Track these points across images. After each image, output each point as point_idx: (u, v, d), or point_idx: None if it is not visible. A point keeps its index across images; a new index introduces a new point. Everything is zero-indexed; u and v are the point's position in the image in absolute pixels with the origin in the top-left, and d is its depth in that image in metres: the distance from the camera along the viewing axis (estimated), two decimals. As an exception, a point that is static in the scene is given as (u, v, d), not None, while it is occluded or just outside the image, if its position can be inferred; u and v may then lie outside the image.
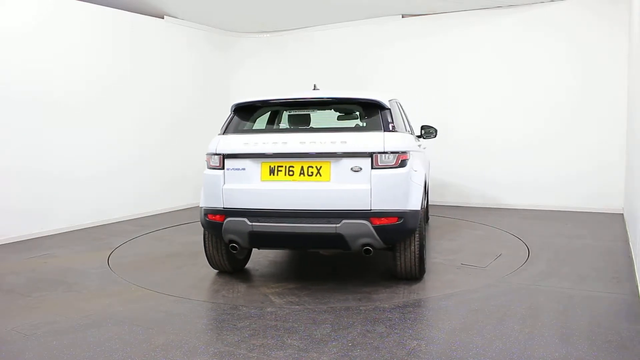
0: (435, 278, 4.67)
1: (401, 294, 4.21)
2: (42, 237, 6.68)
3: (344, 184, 4.11)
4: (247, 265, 5.19)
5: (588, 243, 5.91)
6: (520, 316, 3.66)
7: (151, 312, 3.92)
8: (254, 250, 5.41)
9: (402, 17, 9.13)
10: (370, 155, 4.07)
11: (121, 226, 7.45)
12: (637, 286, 4.23)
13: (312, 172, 4.18)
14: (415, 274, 4.47)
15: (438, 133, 6.42)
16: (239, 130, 4.59)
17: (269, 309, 3.91)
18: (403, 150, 4.20)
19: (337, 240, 4.10)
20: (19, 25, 6.59)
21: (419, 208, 4.25)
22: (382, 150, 4.08)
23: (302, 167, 4.19)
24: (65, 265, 5.32)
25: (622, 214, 7.56)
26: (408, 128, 5.65)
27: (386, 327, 3.49)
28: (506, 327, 3.45)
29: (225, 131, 4.60)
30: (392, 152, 4.10)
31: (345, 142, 4.14)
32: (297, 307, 3.95)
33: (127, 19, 8.02)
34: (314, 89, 5.45)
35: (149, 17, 8.45)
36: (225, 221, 4.28)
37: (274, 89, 8.86)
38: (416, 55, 9.08)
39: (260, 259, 5.46)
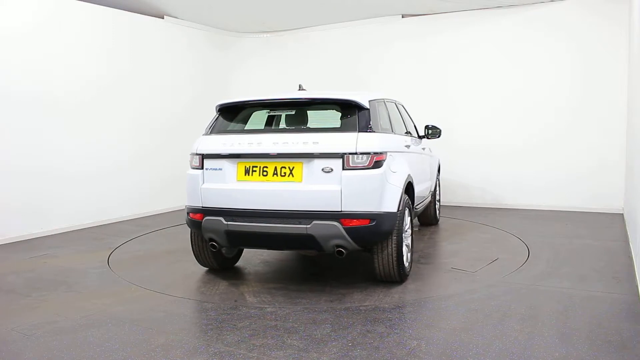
0: (420, 281, 4.61)
1: (375, 297, 4.14)
2: (42, 237, 6.67)
3: (315, 184, 4.10)
4: (239, 264, 5.23)
5: (588, 243, 5.91)
6: (520, 316, 3.66)
7: (151, 312, 3.92)
8: (250, 249, 5.42)
9: (402, 17, 9.13)
10: (341, 156, 4.05)
11: (121, 226, 7.45)
12: (637, 286, 4.23)
13: (284, 173, 4.20)
14: (395, 277, 4.41)
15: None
16: (220, 131, 4.63)
17: (269, 309, 3.91)
18: (378, 151, 4.13)
19: (308, 240, 4.11)
20: (19, 25, 6.59)
21: (395, 210, 4.21)
22: (353, 151, 4.06)
23: (275, 168, 4.22)
24: (65, 265, 5.32)
25: (622, 214, 7.56)
26: (405, 128, 5.59)
27: (386, 327, 3.49)
28: (506, 327, 3.45)
29: (210, 132, 4.66)
30: (364, 153, 4.06)
31: (317, 142, 4.14)
32: (297, 307, 3.95)
33: (127, 19, 8.02)
34: (300, 89, 5.44)
35: (149, 17, 8.45)
36: (203, 220, 4.35)
37: (274, 89, 8.84)
38: (416, 55, 9.08)
39: (253, 258, 5.48)
